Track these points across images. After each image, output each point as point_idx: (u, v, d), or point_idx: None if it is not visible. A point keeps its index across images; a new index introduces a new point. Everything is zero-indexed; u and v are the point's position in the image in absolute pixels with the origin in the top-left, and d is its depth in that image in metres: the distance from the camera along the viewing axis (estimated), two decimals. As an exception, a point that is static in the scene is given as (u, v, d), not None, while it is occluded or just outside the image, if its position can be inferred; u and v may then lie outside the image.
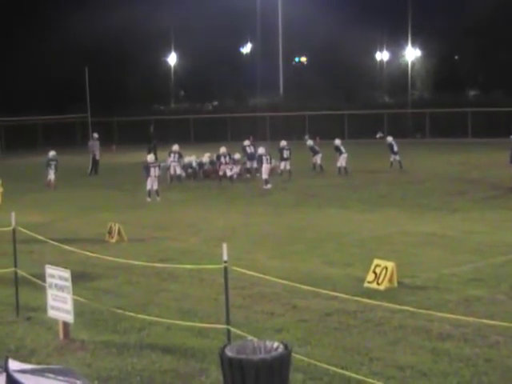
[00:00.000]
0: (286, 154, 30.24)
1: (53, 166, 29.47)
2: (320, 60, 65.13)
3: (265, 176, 27.21)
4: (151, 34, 58.75)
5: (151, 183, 24.55)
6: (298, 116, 54.40)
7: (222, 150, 29.60)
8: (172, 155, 30.36)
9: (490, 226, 17.67)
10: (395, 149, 31.66)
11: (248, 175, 30.75)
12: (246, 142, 32.33)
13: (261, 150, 28.65)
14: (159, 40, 62.50)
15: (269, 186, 26.68)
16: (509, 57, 53.58)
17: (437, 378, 8.12)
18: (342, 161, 30.76)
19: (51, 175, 29.39)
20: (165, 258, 14.75)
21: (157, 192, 24.52)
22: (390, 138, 32.27)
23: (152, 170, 24.59)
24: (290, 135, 44.77)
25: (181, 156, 30.69)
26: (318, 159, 31.88)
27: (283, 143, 30.67)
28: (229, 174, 28.90)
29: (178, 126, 55.88)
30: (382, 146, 35.54)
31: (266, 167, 27.44)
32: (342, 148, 30.88)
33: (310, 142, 32.83)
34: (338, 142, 31.38)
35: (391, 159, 31.75)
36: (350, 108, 53.40)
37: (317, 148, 32.30)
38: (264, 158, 27.86)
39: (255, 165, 30.30)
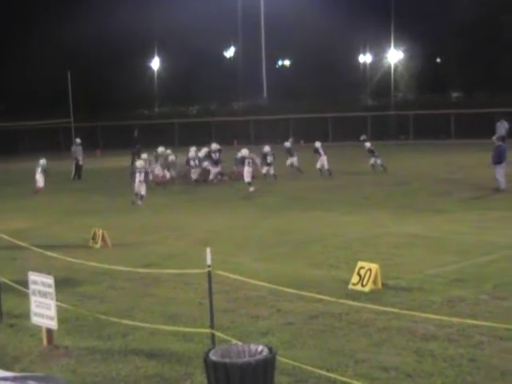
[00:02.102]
0: (269, 159, 30.28)
1: (42, 173, 29.59)
2: (303, 63, 65.30)
3: (247, 179, 27.23)
4: (134, 39, 58.69)
5: (138, 187, 24.61)
6: (282, 119, 54.45)
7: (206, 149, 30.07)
8: (159, 159, 30.75)
9: (474, 226, 17.75)
10: (375, 153, 31.94)
11: (226, 178, 30.77)
12: (214, 146, 31.95)
13: (244, 152, 28.61)
14: (142, 45, 62.43)
15: (252, 188, 26.68)
16: (491, 58, 53.89)
17: (421, 378, 8.14)
18: (321, 163, 30.98)
19: (40, 182, 29.45)
20: (149, 262, 14.72)
21: (141, 196, 24.54)
22: (368, 144, 32.61)
23: (137, 174, 24.69)
24: (274, 138, 44.88)
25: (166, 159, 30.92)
26: (294, 161, 32.02)
27: (267, 148, 30.67)
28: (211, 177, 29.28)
29: (163, 131, 55.77)
30: (366, 148, 35.66)
31: (247, 170, 27.46)
32: (321, 150, 31.13)
33: (287, 144, 32.99)
34: (317, 144, 31.69)
35: (371, 162, 31.91)
36: (334, 111, 53.49)
37: (293, 150, 32.51)
38: (246, 160, 27.85)
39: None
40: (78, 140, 36.75)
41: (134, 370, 8.82)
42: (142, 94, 63.76)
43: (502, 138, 25.70)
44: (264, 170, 30.17)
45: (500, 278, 12.36)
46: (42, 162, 30.21)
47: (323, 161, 31.00)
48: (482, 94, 52.31)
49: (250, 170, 27.69)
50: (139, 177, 24.70)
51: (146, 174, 26.02)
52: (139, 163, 26.01)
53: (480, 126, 44.68)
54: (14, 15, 59.32)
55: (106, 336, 10.15)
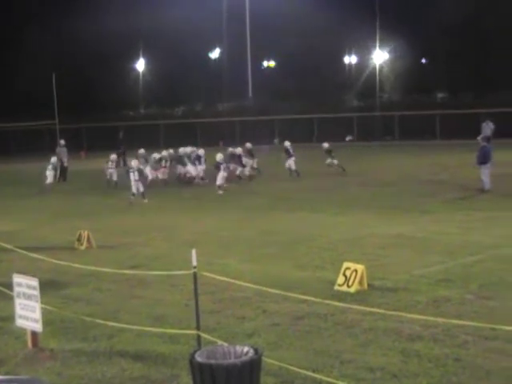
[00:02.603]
0: (244, 160, 30.88)
1: (52, 170, 30.83)
2: (289, 64, 65.37)
3: (219, 182, 27.38)
4: (119, 41, 58.58)
5: (134, 186, 25.31)
6: (268, 120, 54.45)
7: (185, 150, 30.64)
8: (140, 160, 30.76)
9: (459, 227, 17.81)
10: (332, 153, 32.10)
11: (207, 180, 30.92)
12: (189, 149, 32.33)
13: (219, 157, 28.70)
14: (128, 46, 62.32)
15: (220, 192, 26.87)
16: (477, 59, 54.18)
17: (407, 378, 8.16)
18: (290, 163, 31.09)
19: (50, 179, 30.39)
20: (135, 264, 14.67)
21: (143, 194, 25.40)
22: (326, 145, 32.66)
23: (131, 174, 25.46)
24: (259, 139, 44.90)
25: (146, 161, 31.07)
26: (254, 163, 32.01)
27: (239, 150, 31.11)
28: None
29: (148, 132, 55.68)
30: (352, 149, 35.77)
31: (221, 175, 27.64)
32: (291, 150, 31.32)
33: (248, 145, 32.99)
34: (287, 144, 31.94)
35: (327, 162, 31.93)
36: (319, 111, 53.53)
37: (253, 152, 32.51)
38: (221, 166, 28.05)
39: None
40: (63, 141, 36.69)
41: (120, 372, 8.79)
42: (127, 96, 63.70)
43: (488, 139, 25.80)
44: (244, 170, 30.39)
45: (485, 277, 12.42)
46: (53, 159, 31.24)
47: (290, 162, 31.15)
48: (467, 94, 52.56)
49: (225, 174, 27.85)
50: (134, 176, 25.39)
51: (141, 172, 26.43)
52: (133, 163, 26.59)
53: (465, 127, 44.83)
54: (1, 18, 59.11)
55: (91, 338, 10.11)
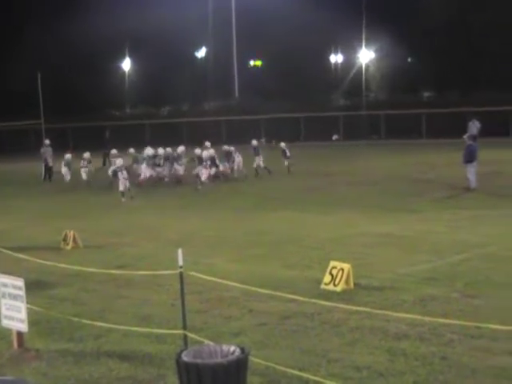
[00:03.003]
0: (217, 161, 30.66)
1: (67, 167, 32.47)
2: (275, 63, 65.33)
3: (203, 179, 28.05)
4: (105, 40, 58.34)
5: (123, 185, 25.66)
6: (254, 119, 54.38)
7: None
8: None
9: (446, 225, 17.87)
10: (288, 154, 32.05)
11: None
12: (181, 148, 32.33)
13: (204, 155, 28.85)
14: (113, 46, 62.11)
15: (199, 187, 27.51)
16: (463, 58, 54.32)
17: (393, 377, 8.18)
18: (256, 162, 31.28)
19: (67, 176, 32.27)
20: (121, 264, 14.62)
21: (127, 190, 25.74)
22: (282, 144, 32.57)
23: (119, 173, 25.87)
24: (246, 139, 44.83)
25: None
26: (235, 165, 31.74)
27: (212, 151, 31.03)
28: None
29: (134, 132, 55.51)
30: (338, 148, 35.79)
31: (204, 171, 28.04)
32: (259, 149, 31.48)
33: (225, 148, 32.65)
34: (254, 142, 31.97)
35: (286, 163, 31.85)
36: (306, 110, 53.51)
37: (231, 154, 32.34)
38: (203, 163, 28.43)
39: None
40: (47, 141, 36.51)
41: (107, 373, 8.77)
42: (113, 95, 63.50)
43: (474, 138, 25.87)
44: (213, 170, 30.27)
45: (471, 276, 12.47)
46: (67, 156, 32.59)
47: (258, 160, 31.26)
48: (453, 93, 52.64)
49: (208, 171, 28.28)
50: (122, 175, 25.73)
51: (127, 170, 26.61)
52: (119, 161, 26.81)
53: (451, 126, 44.89)
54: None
55: (77, 338, 10.08)
